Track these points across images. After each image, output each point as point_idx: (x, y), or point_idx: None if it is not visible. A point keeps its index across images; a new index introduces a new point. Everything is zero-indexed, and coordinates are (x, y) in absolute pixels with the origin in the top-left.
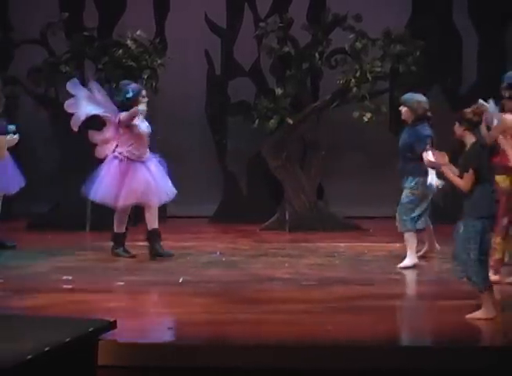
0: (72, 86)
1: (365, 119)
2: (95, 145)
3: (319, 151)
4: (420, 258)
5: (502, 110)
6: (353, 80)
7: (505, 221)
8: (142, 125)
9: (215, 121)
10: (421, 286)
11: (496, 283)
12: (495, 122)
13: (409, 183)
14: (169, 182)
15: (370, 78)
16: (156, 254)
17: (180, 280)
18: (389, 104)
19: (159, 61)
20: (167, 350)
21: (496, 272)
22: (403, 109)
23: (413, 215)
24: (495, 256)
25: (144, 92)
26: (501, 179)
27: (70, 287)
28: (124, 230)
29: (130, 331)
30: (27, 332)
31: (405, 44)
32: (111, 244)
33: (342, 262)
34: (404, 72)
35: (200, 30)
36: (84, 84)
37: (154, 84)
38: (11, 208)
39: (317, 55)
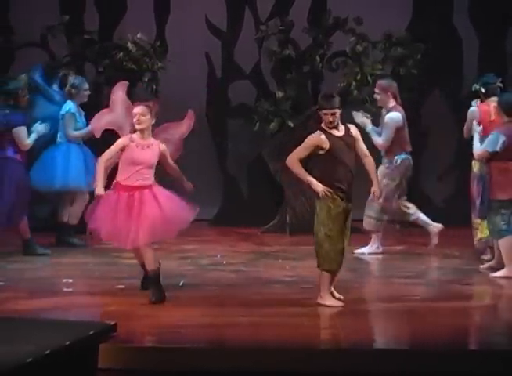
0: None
1: None
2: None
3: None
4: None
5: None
6: (354, 83)
7: (478, 202)
8: None
9: (216, 124)
10: (422, 288)
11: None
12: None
13: None
14: None
15: (371, 81)
16: None
17: (180, 284)
18: None
19: (159, 64)
20: (168, 353)
21: (481, 254)
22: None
23: None
24: (477, 236)
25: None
26: (472, 164)
27: (70, 290)
28: None
29: (130, 335)
30: (27, 335)
31: (406, 47)
32: None
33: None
34: (405, 75)
35: (200, 33)
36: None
37: (155, 87)
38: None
39: (318, 58)
